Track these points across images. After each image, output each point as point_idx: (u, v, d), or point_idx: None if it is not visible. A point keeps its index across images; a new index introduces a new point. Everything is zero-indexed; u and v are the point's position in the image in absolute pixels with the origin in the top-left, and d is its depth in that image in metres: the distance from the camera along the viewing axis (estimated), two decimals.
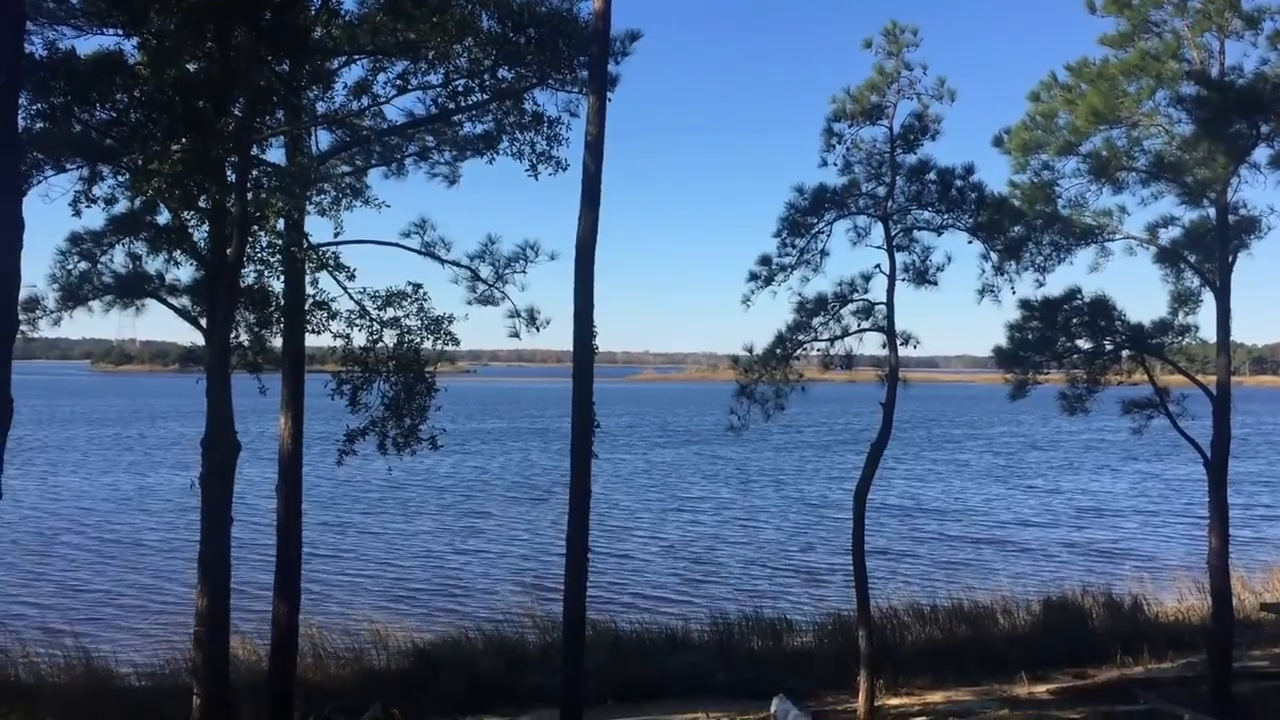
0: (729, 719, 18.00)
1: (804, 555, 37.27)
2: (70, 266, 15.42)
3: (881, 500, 46.51)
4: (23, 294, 12.76)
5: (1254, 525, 43.32)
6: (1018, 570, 33.69)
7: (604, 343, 15.24)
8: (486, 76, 14.94)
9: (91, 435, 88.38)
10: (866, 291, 18.44)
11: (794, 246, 18.50)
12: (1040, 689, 19.53)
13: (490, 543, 39.74)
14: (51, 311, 15.39)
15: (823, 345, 18.50)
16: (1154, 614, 24.42)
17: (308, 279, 15.52)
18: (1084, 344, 18.86)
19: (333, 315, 15.28)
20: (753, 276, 18.44)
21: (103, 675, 18.85)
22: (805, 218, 18.41)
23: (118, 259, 15.80)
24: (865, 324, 18.43)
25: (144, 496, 51.23)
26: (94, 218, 15.24)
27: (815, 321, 18.42)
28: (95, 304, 15.79)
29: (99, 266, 15.65)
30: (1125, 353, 18.85)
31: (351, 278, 14.89)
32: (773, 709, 17.78)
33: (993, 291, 18.74)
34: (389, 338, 15.22)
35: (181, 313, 16.00)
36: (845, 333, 18.46)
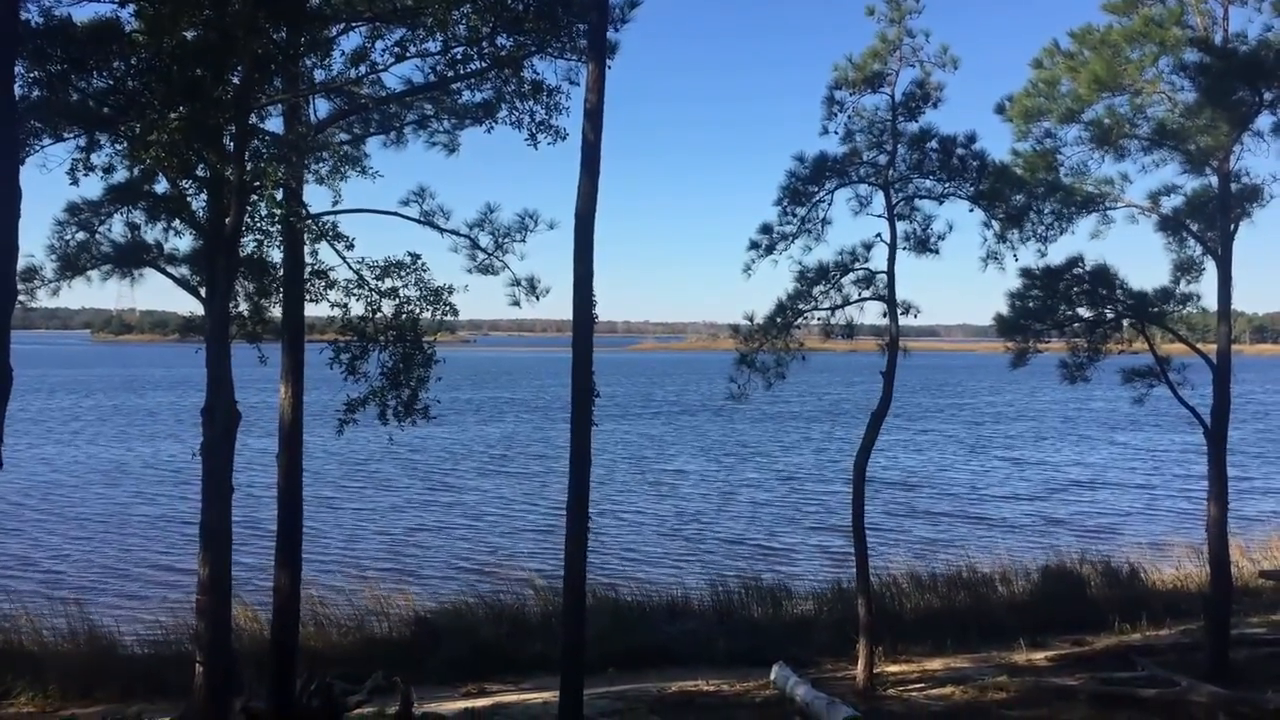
0: (729, 686, 18.12)
1: (801, 525, 37.44)
2: (68, 236, 15.40)
3: (872, 474, 46.67)
4: (21, 263, 12.75)
5: (1252, 498, 43.42)
6: (1014, 539, 33.82)
7: (604, 312, 15.27)
8: (485, 44, 14.81)
9: (90, 406, 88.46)
10: (867, 260, 18.43)
11: (795, 215, 18.46)
12: (1039, 656, 19.65)
13: (488, 512, 39.89)
14: (50, 281, 15.38)
15: (823, 314, 18.49)
16: (1152, 582, 24.54)
17: (307, 248, 15.52)
18: (1085, 312, 18.85)
19: (331, 284, 15.26)
20: (754, 245, 18.42)
21: (106, 643, 18.97)
22: (806, 186, 18.35)
23: (116, 228, 15.78)
24: (866, 293, 18.43)
25: (143, 467, 51.40)
26: (92, 187, 15.22)
27: (816, 290, 18.39)
28: (94, 273, 15.79)
29: (97, 236, 15.63)
30: (1126, 321, 18.83)
31: (350, 247, 14.85)
32: (772, 676, 17.89)
33: (995, 260, 18.74)
34: (387, 308, 15.20)
35: (181, 282, 15.98)
36: (846, 302, 18.45)
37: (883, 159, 18.30)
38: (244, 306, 16.42)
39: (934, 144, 18.22)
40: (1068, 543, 32.00)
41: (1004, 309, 18.78)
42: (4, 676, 17.51)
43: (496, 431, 71.04)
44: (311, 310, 15.95)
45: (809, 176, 18.33)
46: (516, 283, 16.19)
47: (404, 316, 15.26)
